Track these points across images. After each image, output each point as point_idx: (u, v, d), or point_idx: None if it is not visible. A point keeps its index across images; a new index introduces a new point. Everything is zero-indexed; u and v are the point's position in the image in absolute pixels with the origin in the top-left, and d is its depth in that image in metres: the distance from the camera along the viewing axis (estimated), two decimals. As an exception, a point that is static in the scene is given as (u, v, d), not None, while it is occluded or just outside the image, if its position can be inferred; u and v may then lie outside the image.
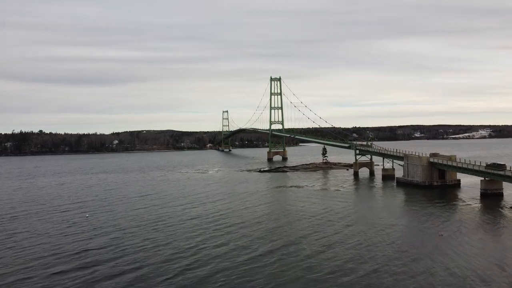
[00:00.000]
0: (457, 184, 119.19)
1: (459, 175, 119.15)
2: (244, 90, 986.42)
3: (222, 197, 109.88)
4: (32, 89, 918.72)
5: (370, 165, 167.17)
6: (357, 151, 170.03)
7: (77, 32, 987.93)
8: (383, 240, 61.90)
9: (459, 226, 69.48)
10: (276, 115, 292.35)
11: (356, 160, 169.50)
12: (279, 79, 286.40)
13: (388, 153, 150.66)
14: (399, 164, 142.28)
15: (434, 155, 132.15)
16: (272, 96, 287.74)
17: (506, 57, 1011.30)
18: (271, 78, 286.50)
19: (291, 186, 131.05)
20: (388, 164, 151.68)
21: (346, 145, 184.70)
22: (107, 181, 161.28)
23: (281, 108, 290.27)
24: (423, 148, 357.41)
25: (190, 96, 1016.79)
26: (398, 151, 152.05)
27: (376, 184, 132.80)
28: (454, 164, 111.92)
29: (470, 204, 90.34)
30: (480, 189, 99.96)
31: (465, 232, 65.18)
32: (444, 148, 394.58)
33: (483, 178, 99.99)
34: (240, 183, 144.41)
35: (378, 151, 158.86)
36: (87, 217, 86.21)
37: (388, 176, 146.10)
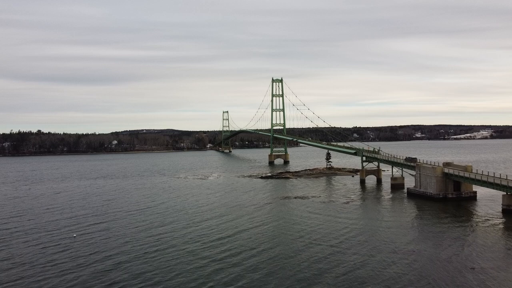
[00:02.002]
0: (473, 197, 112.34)
1: (475, 187, 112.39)
2: (245, 89, 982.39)
3: (226, 212, 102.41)
4: (32, 87, 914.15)
5: (377, 172, 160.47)
6: (364, 158, 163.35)
7: (77, 31, 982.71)
8: (407, 275, 55.15)
9: (489, 254, 62.52)
10: (278, 116, 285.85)
11: (362, 167, 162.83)
12: (281, 81, 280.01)
13: (398, 161, 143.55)
14: (409, 173, 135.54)
15: (447, 164, 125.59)
16: (274, 98, 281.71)
17: (506, 57, 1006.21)
18: (272, 79, 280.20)
19: (296, 197, 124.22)
20: (397, 172, 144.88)
21: (353, 151, 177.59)
22: (104, 189, 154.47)
23: (283, 110, 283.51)
24: (428, 151, 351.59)
25: (191, 95, 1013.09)
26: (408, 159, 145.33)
27: (385, 195, 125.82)
28: (472, 176, 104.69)
29: (494, 224, 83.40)
30: (502, 204, 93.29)
31: (501, 264, 58.02)
32: (448, 150, 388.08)
33: (505, 193, 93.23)
34: (243, 192, 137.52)
35: (386, 159, 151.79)
36: (74, 236, 79.45)
37: (397, 185, 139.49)
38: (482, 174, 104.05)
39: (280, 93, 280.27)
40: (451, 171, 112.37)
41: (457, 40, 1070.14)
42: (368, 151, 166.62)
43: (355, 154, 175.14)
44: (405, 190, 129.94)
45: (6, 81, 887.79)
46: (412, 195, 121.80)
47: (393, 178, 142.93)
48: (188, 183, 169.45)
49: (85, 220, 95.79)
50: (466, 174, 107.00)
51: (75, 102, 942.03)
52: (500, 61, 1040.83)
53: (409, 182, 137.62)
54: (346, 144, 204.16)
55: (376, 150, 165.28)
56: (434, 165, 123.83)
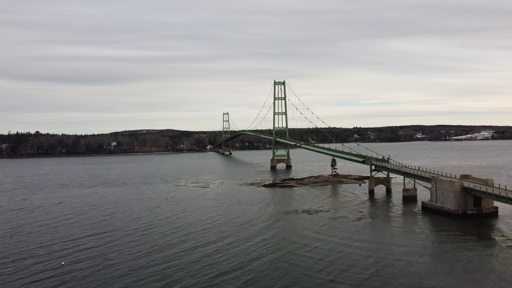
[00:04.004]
0: (494, 213, 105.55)
1: (496, 202, 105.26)
2: (245, 90, 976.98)
3: (233, 233, 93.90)
4: (31, 87, 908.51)
5: (387, 182, 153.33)
6: (373, 167, 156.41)
7: (77, 31, 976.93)
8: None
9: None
10: (280, 119, 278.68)
11: (371, 176, 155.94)
12: (283, 83, 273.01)
13: (411, 172, 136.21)
14: (424, 186, 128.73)
15: (465, 176, 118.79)
16: (276, 100, 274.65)
17: (506, 57, 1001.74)
18: (274, 82, 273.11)
19: (303, 211, 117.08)
20: (409, 183, 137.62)
21: (361, 159, 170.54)
22: (104, 201, 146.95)
23: (285, 113, 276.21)
24: (434, 154, 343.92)
25: (191, 95, 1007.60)
26: (421, 169, 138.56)
27: (398, 210, 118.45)
28: (496, 192, 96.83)
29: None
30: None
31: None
32: (454, 153, 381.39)
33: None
34: (248, 205, 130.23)
35: (398, 169, 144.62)
36: (62, 264, 72.37)
37: (409, 197, 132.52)
38: (506, 190, 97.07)
39: (282, 95, 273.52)
40: (471, 186, 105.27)
41: (457, 40, 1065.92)
42: (377, 159, 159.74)
43: (363, 162, 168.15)
44: (419, 204, 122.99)
45: (6, 81, 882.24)
46: (428, 210, 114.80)
47: (405, 190, 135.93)
48: (191, 192, 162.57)
49: (80, 243, 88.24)
50: (489, 190, 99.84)
51: (75, 102, 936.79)
52: (500, 61, 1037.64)
53: (421, 192, 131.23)
54: (351, 148, 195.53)
55: (386, 159, 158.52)
56: (452, 178, 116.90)
